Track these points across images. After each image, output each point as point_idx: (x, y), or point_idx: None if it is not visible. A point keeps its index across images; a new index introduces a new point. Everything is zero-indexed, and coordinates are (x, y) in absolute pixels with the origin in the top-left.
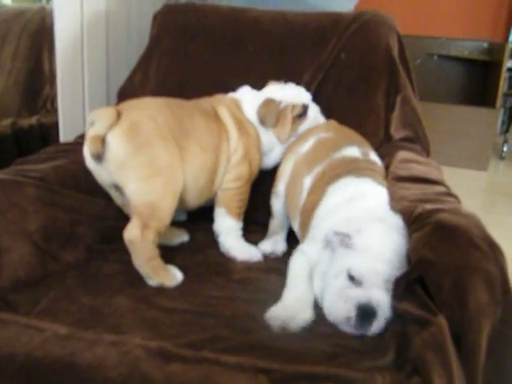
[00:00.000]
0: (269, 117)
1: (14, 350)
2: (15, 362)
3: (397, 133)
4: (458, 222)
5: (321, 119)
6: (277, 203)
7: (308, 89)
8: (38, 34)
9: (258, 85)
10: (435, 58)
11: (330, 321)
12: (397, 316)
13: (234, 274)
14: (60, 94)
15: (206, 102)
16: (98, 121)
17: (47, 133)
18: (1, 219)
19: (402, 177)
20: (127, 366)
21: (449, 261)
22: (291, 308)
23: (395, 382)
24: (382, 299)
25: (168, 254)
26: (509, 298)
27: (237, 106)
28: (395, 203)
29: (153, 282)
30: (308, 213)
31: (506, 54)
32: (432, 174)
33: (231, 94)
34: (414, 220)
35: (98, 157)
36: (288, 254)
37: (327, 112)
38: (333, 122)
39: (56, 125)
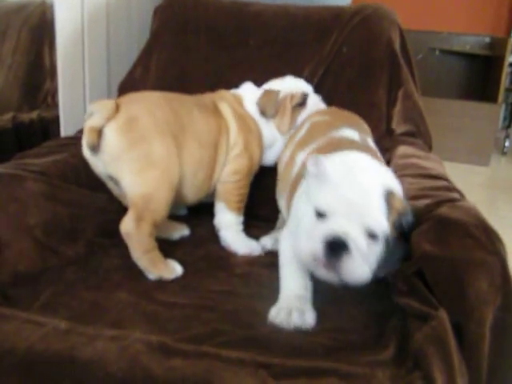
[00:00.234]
0: (268, 106)
1: (15, 344)
2: (15, 356)
3: (398, 127)
4: (457, 214)
5: (322, 107)
6: (280, 199)
7: (309, 82)
8: (39, 29)
9: (260, 79)
10: (437, 52)
11: (305, 267)
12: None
13: (235, 269)
14: (61, 89)
15: (206, 98)
16: (97, 112)
17: (48, 127)
18: (1, 213)
19: (403, 173)
20: (127, 361)
21: (446, 252)
22: (293, 306)
23: (396, 377)
24: (352, 231)
25: (169, 248)
26: (509, 286)
27: (238, 102)
28: None
29: (152, 275)
30: (297, 184)
31: (508, 48)
32: (434, 168)
33: (234, 90)
34: (417, 215)
35: (94, 148)
36: None
37: (328, 106)
38: (333, 108)
39: (57, 119)
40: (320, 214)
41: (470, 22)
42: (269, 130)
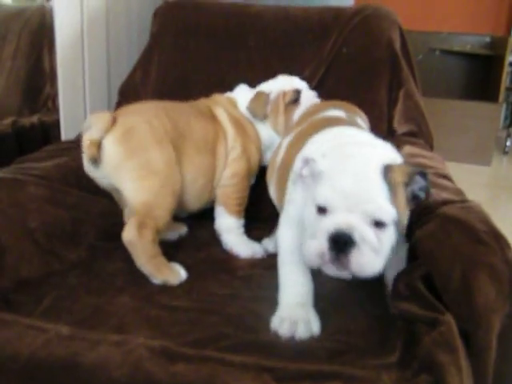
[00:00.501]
0: (258, 109)
1: (17, 350)
2: (18, 362)
3: (400, 127)
4: (465, 216)
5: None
6: (270, 186)
7: (310, 83)
8: (38, 33)
9: (260, 80)
10: (437, 52)
11: (308, 265)
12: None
13: (237, 272)
14: (61, 93)
15: (201, 103)
16: (94, 125)
17: (48, 131)
18: (2, 217)
19: None
20: (131, 366)
21: (455, 257)
22: (298, 316)
23: (401, 380)
24: (355, 223)
25: (171, 251)
26: None
27: (233, 105)
28: None
29: (157, 280)
30: (285, 167)
31: (509, 48)
32: (441, 168)
33: (228, 94)
34: (422, 211)
35: (95, 161)
36: None
37: None
38: (325, 101)
39: (57, 123)
40: (322, 210)
41: (470, 22)
42: (266, 131)
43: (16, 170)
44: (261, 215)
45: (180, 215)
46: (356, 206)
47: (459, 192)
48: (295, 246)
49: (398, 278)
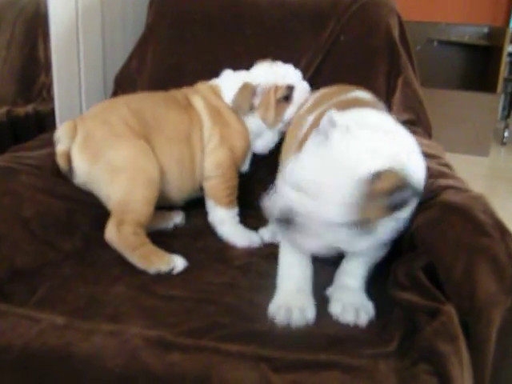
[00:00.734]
0: (242, 104)
1: (10, 341)
2: (11, 353)
3: (398, 115)
4: (469, 206)
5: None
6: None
7: (307, 72)
8: (33, 22)
9: None
10: (435, 43)
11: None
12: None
13: (234, 261)
14: (56, 82)
15: (179, 93)
16: (61, 137)
17: (43, 121)
18: None
19: None
20: (126, 356)
21: (458, 248)
22: (293, 303)
23: (400, 370)
24: (304, 207)
25: (167, 241)
26: None
27: (215, 93)
28: None
29: (149, 269)
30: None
31: (507, 38)
32: (442, 157)
33: (212, 81)
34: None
35: (68, 172)
36: None
37: None
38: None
39: (52, 113)
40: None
41: (468, 13)
42: (254, 120)
43: (9, 159)
44: (256, 203)
45: (171, 204)
46: (315, 196)
47: (462, 181)
48: None
49: (398, 266)
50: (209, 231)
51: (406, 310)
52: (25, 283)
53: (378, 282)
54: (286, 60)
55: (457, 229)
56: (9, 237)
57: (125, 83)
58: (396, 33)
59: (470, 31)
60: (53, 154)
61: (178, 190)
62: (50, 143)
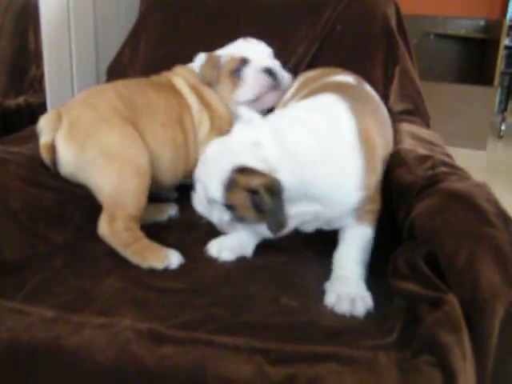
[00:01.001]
0: (207, 74)
1: None
2: None
3: (396, 105)
4: (472, 194)
5: (283, 85)
6: None
7: (303, 60)
8: (23, 12)
9: None
10: (431, 37)
11: None
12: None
13: None
14: (47, 74)
15: (162, 77)
16: (44, 128)
17: (35, 113)
18: None
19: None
20: (116, 349)
21: (461, 238)
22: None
23: (400, 361)
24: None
25: (161, 233)
26: None
27: (193, 75)
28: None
29: (143, 265)
30: None
31: (503, 31)
32: (442, 147)
33: (189, 64)
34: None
35: (53, 164)
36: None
37: None
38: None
39: (44, 105)
40: None
41: (465, 6)
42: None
43: None
44: None
45: (167, 196)
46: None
47: (463, 170)
48: None
49: (398, 255)
50: (203, 223)
51: (407, 299)
52: (14, 276)
53: (377, 271)
54: (281, 48)
55: (460, 217)
56: None
57: (117, 73)
58: (393, 21)
59: (467, 24)
60: None
61: (171, 175)
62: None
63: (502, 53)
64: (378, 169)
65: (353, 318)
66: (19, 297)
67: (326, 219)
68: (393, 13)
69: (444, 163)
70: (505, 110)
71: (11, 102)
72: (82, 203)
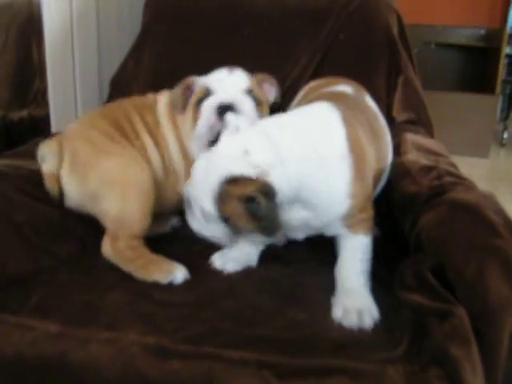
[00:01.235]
0: (174, 98)
1: (3, 349)
2: (4, 362)
3: (399, 115)
4: (480, 205)
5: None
6: None
7: (306, 71)
8: (27, 26)
9: (255, 68)
10: (432, 46)
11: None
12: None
13: None
14: (50, 87)
15: (146, 98)
16: (46, 156)
17: (38, 125)
18: None
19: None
20: (122, 365)
21: (470, 250)
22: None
23: (409, 374)
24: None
25: (165, 244)
26: None
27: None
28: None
29: (148, 279)
30: None
31: (504, 39)
32: (446, 157)
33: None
34: (430, 191)
35: (60, 196)
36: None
37: None
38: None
39: (47, 117)
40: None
41: (465, 15)
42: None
43: (1, 163)
44: None
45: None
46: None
47: (469, 180)
48: None
49: (405, 267)
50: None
51: (415, 312)
52: (18, 290)
53: (384, 283)
54: (284, 59)
55: (468, 229)
56: (1, 242)
57: (121, 85)
58: (395, 30)
59: (467, 33)
60: None
61: (172, 196)
62: None
63: (503, 61)
64: (368, 178)
65: (361, 330)
66: (23, 311)
67: (317, 227)
68: (395, 22)
69: (449, 173)
70: (507, 118)
71: (15, 115)
72: (86, 217)
